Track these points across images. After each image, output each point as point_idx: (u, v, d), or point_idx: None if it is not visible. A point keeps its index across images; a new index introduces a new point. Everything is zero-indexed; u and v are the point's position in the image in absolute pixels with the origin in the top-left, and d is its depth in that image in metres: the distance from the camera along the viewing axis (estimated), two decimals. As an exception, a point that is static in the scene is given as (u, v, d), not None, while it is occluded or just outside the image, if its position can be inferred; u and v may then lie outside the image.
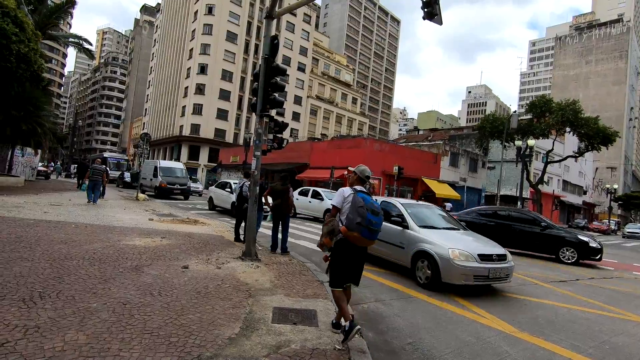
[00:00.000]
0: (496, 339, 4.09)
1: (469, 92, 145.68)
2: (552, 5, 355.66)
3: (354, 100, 70.74)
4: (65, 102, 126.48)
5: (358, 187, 3.58)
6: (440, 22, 5.91)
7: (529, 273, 8.51)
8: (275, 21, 7.40)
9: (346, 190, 3.56)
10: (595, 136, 28.65)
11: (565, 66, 78.73)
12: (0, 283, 3.89)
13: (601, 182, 63.32)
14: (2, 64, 13.34)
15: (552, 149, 31.31)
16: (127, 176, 29.13)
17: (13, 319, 3.08)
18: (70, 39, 27.53)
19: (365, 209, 3.33)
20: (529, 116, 30.86)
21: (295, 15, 58.00)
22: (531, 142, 23.49)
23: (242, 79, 52.71)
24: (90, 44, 28.29)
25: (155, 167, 21.80)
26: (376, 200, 3.59)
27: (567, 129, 29.75)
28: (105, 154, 40.26)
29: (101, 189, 14.12)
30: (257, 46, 53.20)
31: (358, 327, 3.25)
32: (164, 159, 54.37)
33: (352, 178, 3.82)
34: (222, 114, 51.12)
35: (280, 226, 7.59)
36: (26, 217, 8.31)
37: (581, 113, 28.49)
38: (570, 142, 40.41)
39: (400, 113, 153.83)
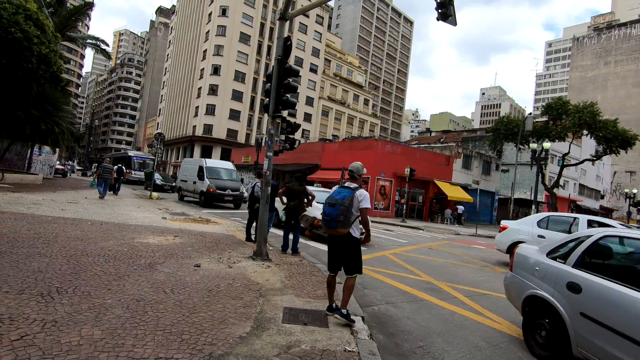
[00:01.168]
0: (509, 344, 4.03)
1: (483, 93, 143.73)
2: (569, 7, 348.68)
3: (366, 102, 70.50)
4: (82, 102, 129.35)
5: (346, 183, 4.04)
6: (454, 23, 5.85)
7: None
8: (288, 23, 7.44)
9: (334, 189, 4.12)
10: (614, 139, 27.89)
11: (583, 67, 76.87)
12: (20, 278, 4.00)
13: (620, 187, 61.64)
14: (24, 65, 13.73)
15: (569, 152, 30.60)
16: (159, 178, 25.41)
17: (32, 313, 3.17)
18: (88, 40, 28.19)
19: (326, 202, 3.89)
20: (544, 118, 30.24)
21: (308, 16, 58.18)
22: (547, 144, 22.92)
23: (255, 80, 53.08)
24: (107, 45, 28.87)
25: (201, 168, 17.81)
26: (338, 191, 3.93)
27: (585, 132, 29.04)
28: (130, 153, 37.72)
29: (109, 185, 14.85)
30: (269, 47, 53.51)
31: (325, 313, 3.97)
32: (177, 159, 55.17)
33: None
34: (234, 115, 51.55)
35: (292, 227, 7.63)
36: (44, 214, 8.54)
37: (599, 115, 27.77)
38: (588, 145, 39.45)
39: (413, 114, 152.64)
